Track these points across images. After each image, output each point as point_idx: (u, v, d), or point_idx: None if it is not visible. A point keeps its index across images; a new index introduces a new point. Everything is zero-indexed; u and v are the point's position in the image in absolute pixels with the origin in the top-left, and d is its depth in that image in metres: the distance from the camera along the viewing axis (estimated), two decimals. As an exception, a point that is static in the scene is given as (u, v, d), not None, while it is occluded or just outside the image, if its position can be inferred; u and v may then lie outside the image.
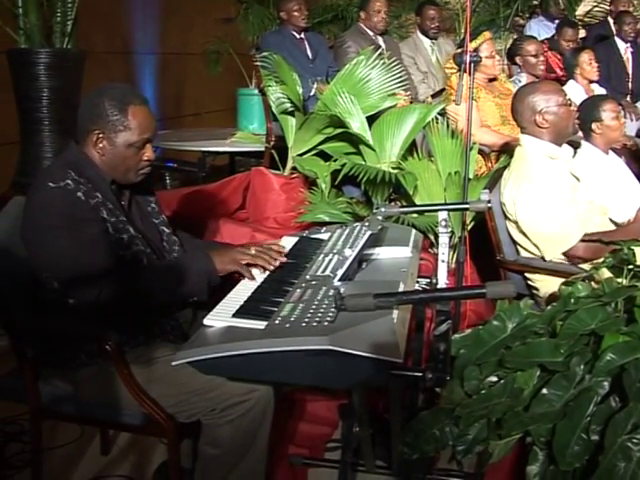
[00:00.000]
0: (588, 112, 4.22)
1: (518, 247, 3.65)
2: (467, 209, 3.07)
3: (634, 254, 2.85)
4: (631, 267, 2.79)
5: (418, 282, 2.78)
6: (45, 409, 2.67)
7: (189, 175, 6.41)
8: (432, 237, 4.00)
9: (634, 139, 6.45)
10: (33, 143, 4.70)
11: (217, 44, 7.14)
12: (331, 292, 2.18)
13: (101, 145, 2.58)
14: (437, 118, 4.36)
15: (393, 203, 4.27)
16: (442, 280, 2.83)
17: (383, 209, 2.86)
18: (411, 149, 4.32)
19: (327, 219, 4.20)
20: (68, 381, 2.61)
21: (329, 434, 3.45)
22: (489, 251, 3.77)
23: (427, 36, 6.91)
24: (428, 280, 2.85)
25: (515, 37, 6.81)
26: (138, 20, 7.42)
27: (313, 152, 4.52)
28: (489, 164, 4.81)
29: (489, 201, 2.86)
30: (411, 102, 6.03)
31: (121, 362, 2.48)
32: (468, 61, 3.36)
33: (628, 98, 7.53)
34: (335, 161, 4.30)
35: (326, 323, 1.95)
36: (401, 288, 2.21)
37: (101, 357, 2.50)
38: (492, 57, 5.06)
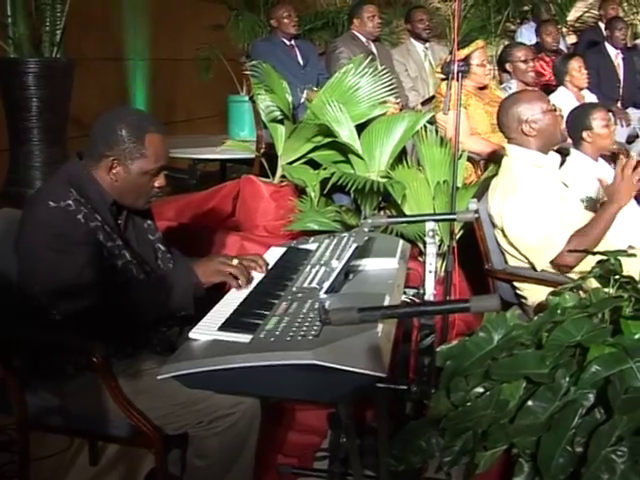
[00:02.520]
0: (578, 120, 4.24)
1: (506, 256, 3.66)
2: (454, 219, 3.08)
3: (620, 264, 2.86)
4: (617, 277, 2.80)
5: (405, 292, 2.78)
6: (32, 420, 2.67)
7: (180, 181, 6.40)
8: (421, 245, 4.00)
9: (624, 146, 6.48)
10: (22, 152, 4.71)
11: (208, 51, 7.14)
12: (317, 305, 2.17)
13: (115, 171, 2.58)
14: (426, 126, 4.36)
15: (382, 211, 4.27)
16: (429, 290, 2.84)
17: (370, 220, 2.87)
18: (401, 157, 4.32)
19: (316, 227, 4.20)
20: (55, 393, 2.61)
21: (318, 443, 3.44)
22: (478, 259, 3.78)
23: (420, 38, 6.97)
24: (415, 290, 2.85)
25: (506, 43, 6.80)
26: (129, 26, 7.42)
27: (302, 160, 4.52)
28: (478, 172, 4.82)
29: (477, 211, 2.87)
30: (401, 109, 6.06)
31: (108, 374, 2.48)
32: (456, 70, 3.34)
33: (619, 104, 7.56)
34: (325, 169, 4.29)
35: (311, 337, 1.94)
36: (386, 301, 2.21)
37: (88, 369, 2.50)
38: (483, 65, 5.07)
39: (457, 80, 3.41)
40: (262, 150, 5.46)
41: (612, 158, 5.23)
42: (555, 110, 3.71)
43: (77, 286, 2.42)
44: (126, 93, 7.50)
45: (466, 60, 5.02)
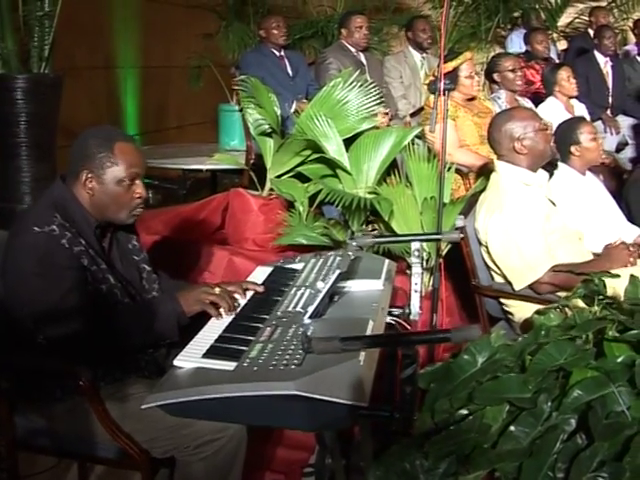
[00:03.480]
0: (566, 135, 4.27)
1: (492, 272, 3.68)
2: (439, 240, 3.10)
3: (604, 285, 2.89)
4: (602, 297, 2.82)
5: (391, 312, 2.79)
6: (21, 441, 2.68)
7: (170, 192, 6.43)
8: (408, 259, 4.02)
9: (612, 155, 6.51)
10: (11, 168, 4.71)
11: (198, 59, 7.16)
12: (300, 331, 2.20)
13: (90, 185, 2.60)
14: (414, 141, 4.37)
15: (370, 225, 4.28)
16: (415, 310, 2.86)
17: (356, 240, 2.89)
18: (389, 171, 4.32)
19: (305, 242, 4.22)
20: (43, 415, 2.63)
21: (306, 459, 3.45)
22: (466, 273, 3.80)
23: (420, 48, 6.99)
24: (401, 310, 2.86)
25: (496, 52, 6.82)
26: (119, 35, 7.42)
27: (291, 174, 4.53)
28: (467, 184, 4.84)
29: (462, 230, 2.90)
30: (391, 119, 6.08)
31: (95, 398, 2.50)
32: (442, 88, 3.36)
33: (608, 112, 7.58)
34: (313, 184, 4.31)
35: (293, 366, 1.96)
36: (370, 326, 2.23)
37: (76, 393, 2.52)
38: (471, 77, 5.08)
39: (443, 94, 3.40)
40: (252, 161, 5.48)
41: (601, 169, 5.28)
42: (547, 129, 3.74)
43: (62, 311, 2.43)
44: (117, 101, 7.50)
45: (454, 72, 5.05)
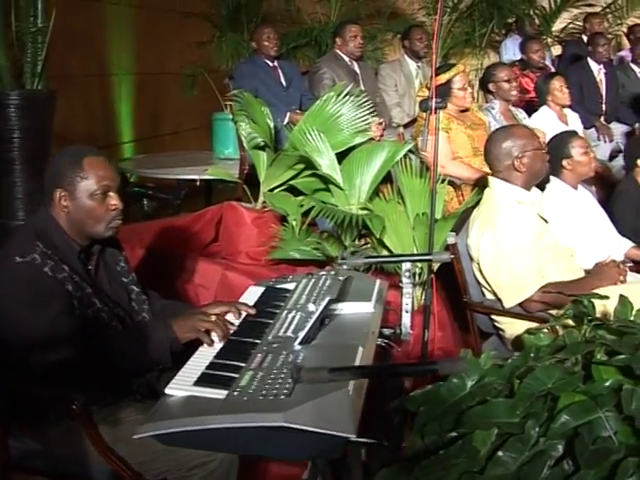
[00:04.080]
0: (558, 149, 4.29)
1: (483, 289, 3.70)
2: (430, 260, 3.12)
3: (593, 306, 2.91)
4: (590, 318, 2.85)
5: (382, 332, 2.81)
6: (15, 463, 2.70)
7: (165, 201, 6.45)
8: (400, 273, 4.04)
9: (605, 164, 6.53)
10: (5, 183, 4.72)
11: (192, 68, 7.17)
12: (291, 358, 2.22)
13: (65, 203, 2.63)
14: (407, 155, 4.39)
15: (363, 239, 4.30)
16: (406, 331, 2.89)
17: (347, 260, 2.92)
18: (384, 184, 4.34)
19: (298, 256, 4.25)
20: (37, 439, 2.65)
21: (299, 474, 3.46)
22: (458, 287, 3.82)
23: (417, 57, 7.05)
24: (392, 330, 2.89)
25: (491, 63, 6.83)
26: (114, 42, 7.44)
27: (284, 187, 4.55)
28: (460, 197, 4.86)
29: (453, 252, 2.92)
30: (384, 129, 6.10)
31: (88, 422, 2.51)
32: (434, 107, 3.38)
33: (602, 119, 7.60)
34: (306, 197, 4.33)
35: (282, 397, 1.98)
36: (359, 353, 2.26)
37: (69, 417, 2.53)
38: (464, 89, 5.10)
39: (434, 113, 3.42)
40: (245, 171, 5.50)
41: (593, 179, 5.30)
42: (544, 149, 3.76)
43: (51, 338, 2.45)
44: (111, 108, 7.53)
45: (447, 84, 5.08)
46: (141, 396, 2.65)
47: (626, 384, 2.41)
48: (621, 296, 3.03)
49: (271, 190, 4.57)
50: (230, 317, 2.65)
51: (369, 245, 4.28)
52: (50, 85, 5.10)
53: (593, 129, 7.43)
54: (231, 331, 2.55)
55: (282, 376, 2.10)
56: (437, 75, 5.02)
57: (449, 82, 5.07)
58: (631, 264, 4.47)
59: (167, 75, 8.09)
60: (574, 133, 4.48)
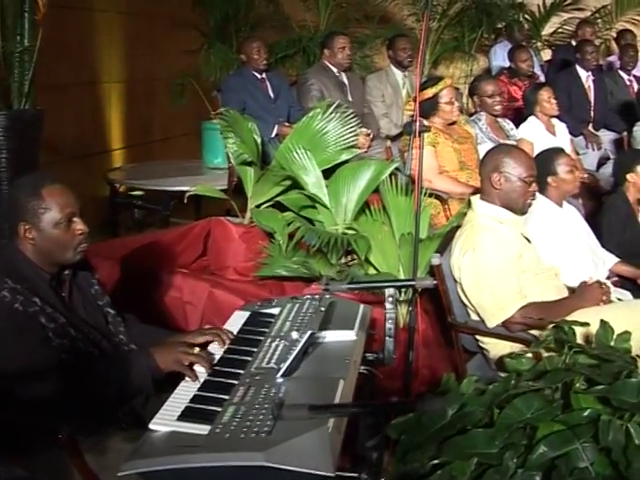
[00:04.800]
0: (543, 165, 4.32)
1: (468, 309, 3.73)
2: (413, 286, 3.15)
3: (574, 333, 2.95)
4: (571, 345, 2.89)
5: (366, 357, 2.84)
6: (1, 489, 2.72)
7: (154, 212, 6.47)
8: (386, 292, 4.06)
9: (593, 174, 6.57)
10: (-8, 203, 4.71)
11: (181, 77, 7.19)
12: (272, 392, 2.26)
13: (30, 235, 2.65)
14: (393, 172, 4.41)
15: (349, 256, 4.33)
16: (389, 356, 2.92)
17: (330, 287, 2.95)
18: (369, 204, 4.36)
19: (285, 274, 4.27)
20: (24, 465, 2.65)
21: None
22: (442, 306, 3.85)
23: (402, 66, 7.03)
24: (376, 355, 2.92)
25: (477, 75, 6.85)
26: (103, 50, 7.45)
27: (272, 202, 4.58)
28: (447, 210, 4.89)
29: (437, 269, 2.95)
30: (372, 139, 6.14)
31: (74, 451, 2.53)
32: (417, 131, 3.40)
33: (590, 127, 7.64)
34: (291, 214, 4.36)
35: (263, 434, 2.02)
36: (340, 386, 2.29)
37: (55, 445, 2.55)
38: (451, 103, 5.14)
39: (418, 136, 3.45)
40: (234, 183, 5.52)
41: (580, 191, 5.32)
42: (531, 184, 3.76)
43: (30, 373, 2.46)
44: (102, 116, 7.52)
45: (434, 98, 5.11)
46: (127, 425, 2.66)
47: (604, 414, 2.45)
48: (602, 321, 3.07)
49: (259, 205, 4.59)
50: (214, 346, 2.67)
51: (356, 261, 4.30)
52: (39, 95, 5.11)
53: (581, 137, 7.47)
54: (215, 360, 2.57)
55: (263, 411, 2.14)
56: (424, 89, 5.10)
57: (436, 96, 5.12)
58: (616, 279, 4.52)
59: (157, 82, 8.09)
60: (560, 150, 4.51)
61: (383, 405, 2.27)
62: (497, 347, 3.61)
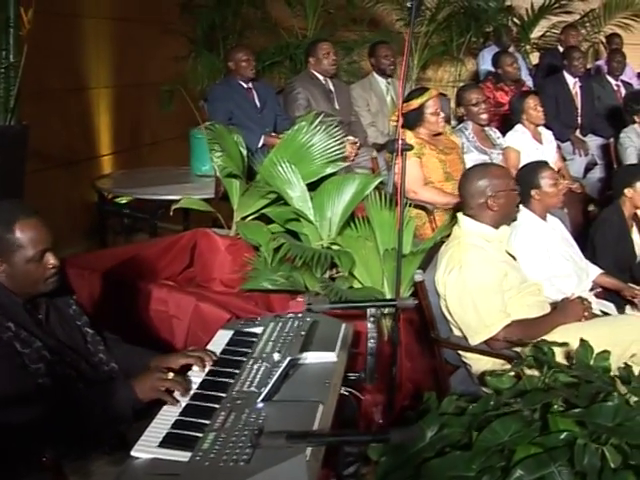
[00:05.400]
0: (527, 179, 4.36)
1: (451, 325, 3.76)
2: (395, 306, 3.18)
3: (553, 353, 2.99)
4: (550, 365, 2.93)
5: (348, 376, 2.87)
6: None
7: (142, 221, 6.48)
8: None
9: (579, 181, 6.60)
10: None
11: (169, 84, 7.20)
12: (252, 417, 2.30)
13: (2, 268, 2.65)
14: (378, 186, 4.43)
15: (335, 269, 4.35)
16: (371, 375, 2.95)
17: (313, 307, 2.98)
18: (353, 217, 4.38)
19: (270, 287, 4.30)
20: (9, 490, 2.68)
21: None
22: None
23: (384, 74, 7.02)
24: (357, 375, 2.95)
25: (461, 86, 6.84)
26: (91, 56, 7.45)
27: (258, 214, 4.61)
28: (432, 221, 4.91)
29: (417, 303, 2.98)
30: (359, 147, 6.16)
31: (58, 475, 2.52)
32: (400, 149, 3.42)
33: (577, 132, 7.66)
34: (277, 227, 4.38)
35: (242, 463, 2.06)
36: (319, 411, 2.33)
37: (40, 469, 2.57)
38: (437, 114, 5.14)
39: (401, 155, 3.47)
40: (221, 192, 5.52)
41: (566, 200, 5.35)
42: (516, 190, 3.81)
43: (8, 399, 2.48)
44: (90, 122, 7.52)
45: (420, 109, 5.13)
46: (110, 448, 2.68)
47: (581, 437, 2.49)
48: (582, 340, 3.11)
49: (245, 217, 4.62)
50: (195, 370, 2.70)
51: (341, 273, 4.32)
52: (26, 103, 5.11)
53: (568, 143, 7.49)
54: (195, 384, 2.60)
55: (243, 438, 2.18)
56: (409, 100, 5.12)
57: (421, 107, 5.12)
58: (600, 290, 4.55)
59: (146, 87, 8.09)
60: (544, 163, 4.53)
61: (358, 436, 2.29)
62: (479, 363, 3.65)
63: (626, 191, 4.80)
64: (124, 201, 6.65)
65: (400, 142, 3.42)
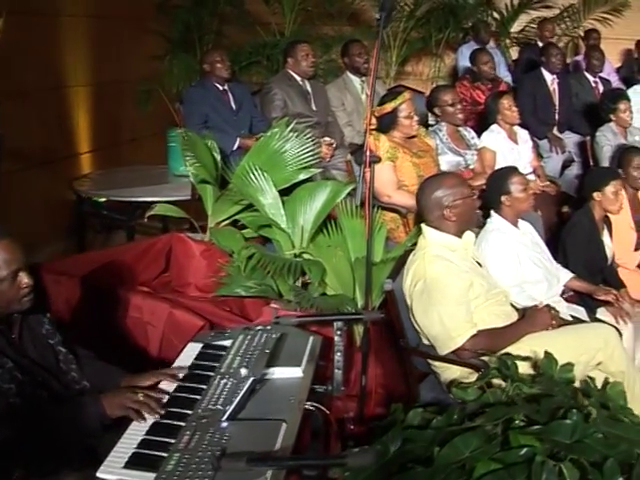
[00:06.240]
0: (497, 185, 4.40)
1: (420, 334, 3.80)
2: (362, 319, 3.22)
3: (516, 368, 3.04)
4: (514, 379, 2.97)
5: (315, 389, 2.91)
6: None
7: (119, 221, 6.50)
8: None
9: (555, 181, 6.63)
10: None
11: (146, 84, 7.20)
12: (216, 437, 2.35)
13: None
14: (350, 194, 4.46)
15: (307, 276, 4.38)
16: (338, 387, 3.00)
17: (281, 321, 3.02)
18: (326, 223, 4.41)
19: (243, 293, 4.34)
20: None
21: None
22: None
23: (358, 73, 6.97)
24: (325, 388, 2.99)
25: (434, 87, 6.86)
26: (69, 54, 7.43)
27: (232, 219, 4.64)
28: (406, 225, 4.95)
29: (383, 313, 3.03)
30: (336, 148, 6.18)
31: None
32: (368, 161, 3.45)
33: (555, 130, 7.69)
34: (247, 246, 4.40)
35: (203, 487, 2.10)
36: (282, 430, 2.38)
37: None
38: (410, 117, 5.17)
39: (369, 167, 3.50)
40: (197, 195, 5.54)
41: (540, 201, 5.40)
42: (474, 195, 3.84)
43: None
44: (69, 120, 7.50)
45: (393, 112, 5.16)
46: (80, 464, 2.70)
47: (541, 453, 2.53)
48: (546, 352, 3.15)
49: (220, 223, 4.65)
50: (164, 385, 2.75)
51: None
52: (3, 102, 5.10)
53: (545, 140, 7.52)
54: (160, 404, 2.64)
55: (206, 460, 2.23)
56: (383, 104, 5.15)
57: (395, 110, 5.15)
58: (572, 293, 4.60)
59: (125, 83, 8.07)
60: (513, 169, 4.56)
61: (316, 459, 2.34)
62: (447, 371, 3.69)
63: (595, 195, 4.83)
64: (103, 199, 6.66)
65: (368, 154, 3.44)
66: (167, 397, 2.70)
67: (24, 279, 2.71)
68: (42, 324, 2.92)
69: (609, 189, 4.82)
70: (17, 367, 2.69)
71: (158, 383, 2.80)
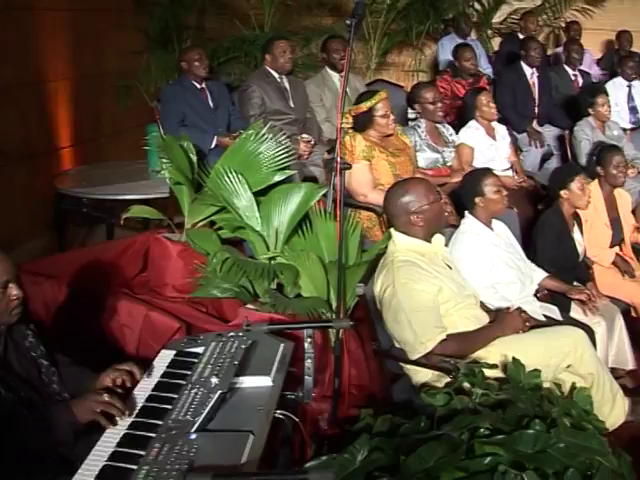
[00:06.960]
0: (470, 186, 4.44)
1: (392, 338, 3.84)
2: (331, 327, 3.26)
3: (483, 376, 3.08)
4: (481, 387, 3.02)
5: (285, 395, 2.96)
6: None
7: (99, 219, 6.50)
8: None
9: (533, 177, 6.67)
10: None
11: (125, 80, 7.19)
12: (185, 450, 2.39)
13: None
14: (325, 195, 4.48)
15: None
16: (308, 394, 3.04)
17: (252, 328, 3.06)
18: (301, 225, 4.43)
19: (219, 295, 4.36)
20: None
21: None
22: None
23: (336, 69, 6.96)
24: (295, 395, 3.04)
25: (415, 84, 6.87)
26: (48, 48, 7.40)
27: (207, 220, 4.67)
28: (383, 223, 4.97)
29: (353, 321, 3.06)
30: (314, 145, 6.20)
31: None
32: (339, 169, 3.48)
33: (535, 123, 7.74)
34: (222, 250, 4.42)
35: (170, 503, 2.14)
36: (249, 442, 2.42)
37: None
38: (387, 116, 5.19)
39: (340, 174, 3.52)
40: (175, 194, 5.56)
41: (517, 198, 5.42)
42: (441, 199, 3.87)
43: None
44: (49, 115, 7.48)
45: (369, 112, 5.18)
46: (54, 474, 2.73)
47: (505, 462, 2.58)
48: (514, 358, 3.20)
49: (195, 224, 4.67)
50: (142, 386, 2.82)
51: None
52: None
53: (525, 134, 7.57)
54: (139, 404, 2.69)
55: (174, 473, 2.27)
56: (359, 103, 5.18)
57: (371, 110, 5.17)
58: (546, 292, 4.64)
59: (105, 76, 8.05)
60: (487, 170, 4.61)
61: (279, 475, 2.38)
62: (419, 374, 3.72)
63: (562, 193, 4.88)
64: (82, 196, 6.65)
65: (339, 161, 3.46)
66: (138, 400, 2.74)
67: (14, 291, 2.74)
68: (26, 337, 2.93)
69: (574, 185, 4.88)
70: (1, 383, 2.72)
71: (117, 379, 2.85)
